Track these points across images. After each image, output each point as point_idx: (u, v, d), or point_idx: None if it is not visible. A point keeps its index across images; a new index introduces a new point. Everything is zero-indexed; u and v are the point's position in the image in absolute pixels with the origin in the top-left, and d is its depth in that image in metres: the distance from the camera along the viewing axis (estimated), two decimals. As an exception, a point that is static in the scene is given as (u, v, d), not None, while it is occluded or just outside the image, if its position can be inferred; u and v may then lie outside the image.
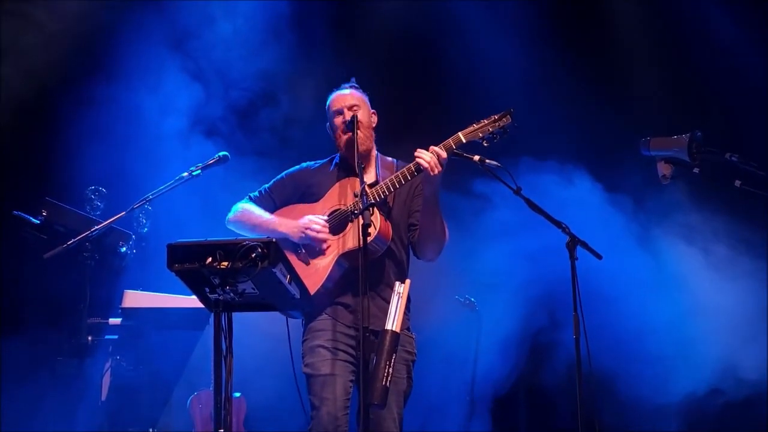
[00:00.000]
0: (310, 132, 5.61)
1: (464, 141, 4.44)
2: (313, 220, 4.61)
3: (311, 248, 4.62)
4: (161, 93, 7.27)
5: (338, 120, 4.78)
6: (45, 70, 7.09)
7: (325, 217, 4.64)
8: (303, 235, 4.60)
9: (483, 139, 4.44)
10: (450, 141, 4.45)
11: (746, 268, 6.68)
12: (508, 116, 4.45)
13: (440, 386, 7.33)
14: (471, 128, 4.46)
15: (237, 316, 3.86)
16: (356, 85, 4.91)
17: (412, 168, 4.45)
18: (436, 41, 7.81)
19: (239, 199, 4.90)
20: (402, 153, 4.70)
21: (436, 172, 4.38)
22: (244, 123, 7.44)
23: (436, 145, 4.43)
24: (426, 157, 4.39)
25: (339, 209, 4.65)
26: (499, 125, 4.44)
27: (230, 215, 4.84)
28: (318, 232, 4.58)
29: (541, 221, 4.70)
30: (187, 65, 7.36)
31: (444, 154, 4.39)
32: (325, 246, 4.59)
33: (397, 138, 5.10)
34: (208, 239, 3.76)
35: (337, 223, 4.62)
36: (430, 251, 4.67)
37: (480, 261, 7.30)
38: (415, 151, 4.43)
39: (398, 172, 4.50)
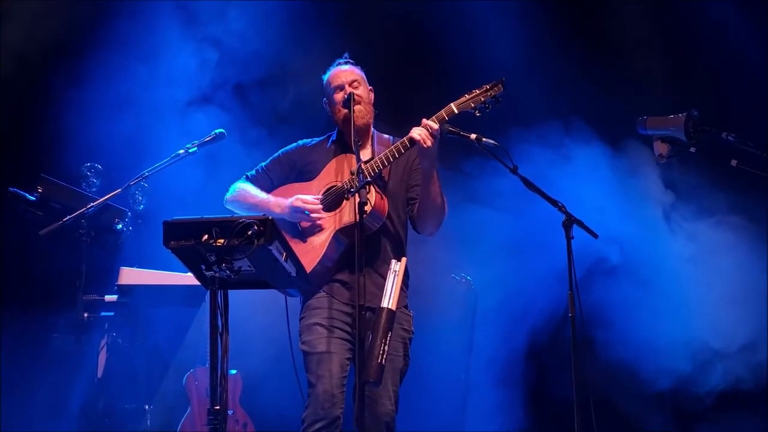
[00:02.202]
0: (310, 108, 5.58)
1: (456, 112, 4.44)
2: (305, 196, 4.61)
3: (308, 226, 4.62)
4: (161, 67, 7.23)
5: (339, 95, 4.76)
6: (41, 44, 7.05)
7: (320, 196, 4.64)
8: (295, 210, 4.60)
9: (475, 109, 4.44)
10: (442, 112, 4.45)
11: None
12: (500, 85, 4.45)
13: (436, 365, 7.34)
14: (463, 99, 4.46)
15: (233, 294, 3.86)
16: (352, 61, 4.91)
17: (406, 141, 4.45)
18: (432, 17, 7.77)
19: (239, 176, 4.90)
20: (400, 130, 4.69)
21: (429, 143, 4.37)
22: (243, 99, 7.40)
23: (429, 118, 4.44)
24: (417, 129, 4.39)
25: (334, 186, 4.65)
26: (490, 94, 4.44)
27: (228, 195, 4.84)
28: (309, 203, 4.57)
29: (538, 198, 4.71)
30: (191, 40, 7.32)
31: (434, 126, 4.39)
32: (321, 223, 4.59)
33: (394, 114, 5.08)
34: (205, 216, 3.76)
35: (333, 200, 4.62)
36: (429, 225, 4.67)
37: (477, 240, 7.31)
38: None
39: (391, 147, 4.50)
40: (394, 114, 5.09)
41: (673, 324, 6.82)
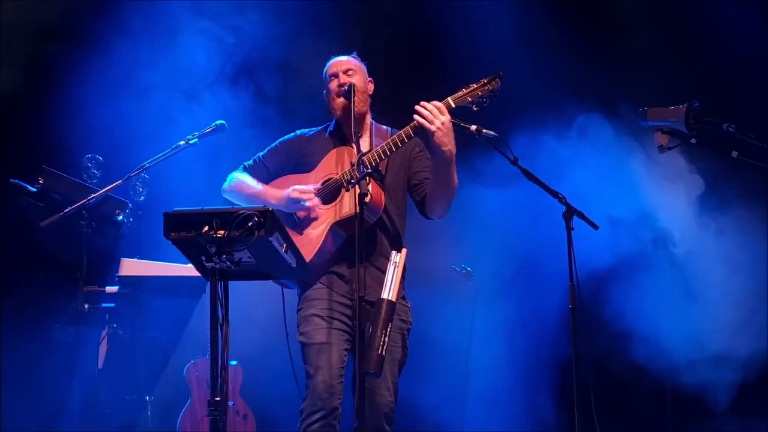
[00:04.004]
0: (313, 101, 5.57)
1: (453, 106, 4.40)
2: (301, 188, 4.60)
3: (304, 218, 4.61)
4: (165, 56, 7.20)
5: (333, 84, 4.75)
6: (41, 34, 7.04)
7: (318, 186, 4.63)
8: (291, 201, 4.59)
9: (473, 103, 4.41)
10: None
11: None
12: (497, 79, 4.41)
13: (436, 355, 7.35)
14: (460, 93, 4.43)
15: (233, 285, 3.86)
16: (355, 56, 4.90)
17: (410, 130, 4.42)
18: (432, 9, 7.77)
19: (236, 167, 4.90)
20: (399, 123, 4.67)
21: (437, 125, 4.32)
22: (244, 90, 7.39)
23: None
24: (422, 111, 4.34)
25: (331, 178, 4.63)
26: (488, 89, 4.40)
27: (225, 185, 4.84)
28: (305, 194, 4.56)
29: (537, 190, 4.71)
30: (195, 29, 7.30)
31: (438, 103, 4.35)
32: (317, 216, 4.58)
33: (394, 107, 5.06)
34: (205, 208, 3.76)
35: (330, 192, 4.61)
36: (440, 208, 4.63)
37: (476, 230, 7.31)
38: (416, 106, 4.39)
39: (390, 138, 4.48)
40: (394, 107, 5.07)
41: (682, 315, 6.82)
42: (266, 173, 4.82)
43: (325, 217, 4.56)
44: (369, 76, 4.87)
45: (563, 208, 4.70)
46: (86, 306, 6.13)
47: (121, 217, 6.28)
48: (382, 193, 4.55)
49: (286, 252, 3.87)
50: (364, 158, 4.42)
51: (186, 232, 3.72)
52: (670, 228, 6.86)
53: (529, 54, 7.45)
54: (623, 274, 6.94)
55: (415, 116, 4.37)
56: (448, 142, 4.36)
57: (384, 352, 4.09)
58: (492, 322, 7.44)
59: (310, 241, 4.56)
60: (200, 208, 3.77)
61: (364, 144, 4.68)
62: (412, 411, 7.00)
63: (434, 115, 4.33)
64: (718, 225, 6.74)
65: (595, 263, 6.52)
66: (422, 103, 4.37)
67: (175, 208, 3.80)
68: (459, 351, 7.57)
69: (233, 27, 7.39)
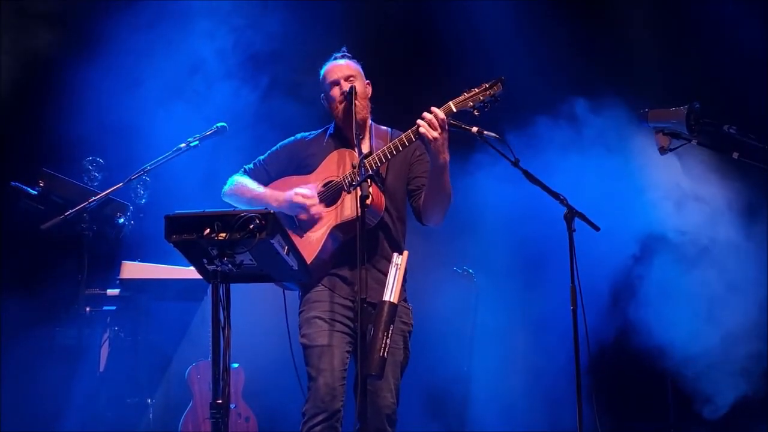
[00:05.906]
0: (309, 100, 5.56)
1: (455, 110, 4.39)
2: (302, 190, 4.59)
3: (305, 221, 4.61)
4: (166, 56, 7.21)
5: (335, 91, 4.73)
6: (41, 32, 7.03)
7: (318, 187, 4.63)
8: (293, 204, 4.59)
9: (474, 107, 4.39)
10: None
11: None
12: (499, 84, 4.40)
13: (437, 357, 7.35)
14: (462, 97, 4.41)
15: (235, 287, 3.86)
16: (349, 55, 4.87)
17: (411, 135, 4.41)
18: (432, 11, 7.77)
19: (236, 169, 4.90)
20: (400, 125, 4.67)
21: (435, 134, 4.32)
22: (245, 89, 7.39)
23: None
24: (422, 122, 4.34)
25: (332, 181, 4.63)
26: (489, 93, 4.39)
27: (226, 188, 4.83)
28: (307, 198, 4.56)
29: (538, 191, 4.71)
30: (199, 28, 7.31)
31: (441, 114, 4.34)
32: (318, 218, 4.58)
33: (394, 108, 5.06)
34: (206, 210, 3.76)
35: (331, 195, 4.60)
36: (436, 216, 4.63)
37: (477, 231, 7.31)
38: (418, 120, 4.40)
39: (391, 143, 4.46)
40: (394, 108, 5.06)
41: (690, 316, 6.82)
42: (267, 177, 4.82)
43: (326, 220, 4.56)
44: (366, 77, 4.86)
45: (564, 210, 4.70)
46: (87, 309, 6.13)
47: (122, 220, 6.28)
48: (383, 195, 4.55)
49: (287, 254, 3.87)
50: (367, 161, 4.41)
51: (187, 234, 3.71)
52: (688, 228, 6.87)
53: (528, 53, 7.46)
54: (631, 274, 6.95)
55: (420, 128, 4.37)
56: (443, 151, 4.38)
57: (385, 354, 4.08)
58: (493, 323, 7.44)
59: (311, 243, 4.55)
60: (202, 210, 3.76)
61: (365, 147, 4.66)
62: (414, 412, 6.99)
63: (433, 126, 4.33)
64: (745, 229, 6.75)
65: (601, 263, 6.53)
66: (428, 112, 4.36)
67: (177, 211, 3.79)
68: (461, 352, 7.57)
69: (235, 26, 7.38)
